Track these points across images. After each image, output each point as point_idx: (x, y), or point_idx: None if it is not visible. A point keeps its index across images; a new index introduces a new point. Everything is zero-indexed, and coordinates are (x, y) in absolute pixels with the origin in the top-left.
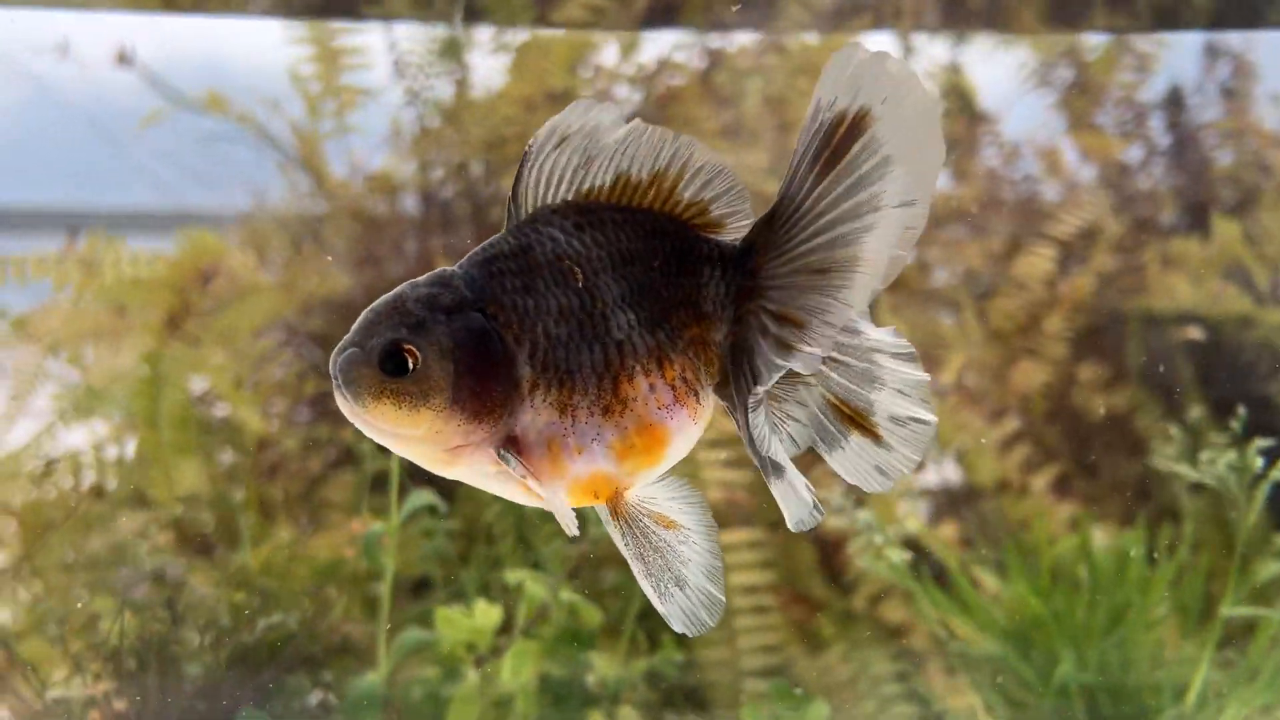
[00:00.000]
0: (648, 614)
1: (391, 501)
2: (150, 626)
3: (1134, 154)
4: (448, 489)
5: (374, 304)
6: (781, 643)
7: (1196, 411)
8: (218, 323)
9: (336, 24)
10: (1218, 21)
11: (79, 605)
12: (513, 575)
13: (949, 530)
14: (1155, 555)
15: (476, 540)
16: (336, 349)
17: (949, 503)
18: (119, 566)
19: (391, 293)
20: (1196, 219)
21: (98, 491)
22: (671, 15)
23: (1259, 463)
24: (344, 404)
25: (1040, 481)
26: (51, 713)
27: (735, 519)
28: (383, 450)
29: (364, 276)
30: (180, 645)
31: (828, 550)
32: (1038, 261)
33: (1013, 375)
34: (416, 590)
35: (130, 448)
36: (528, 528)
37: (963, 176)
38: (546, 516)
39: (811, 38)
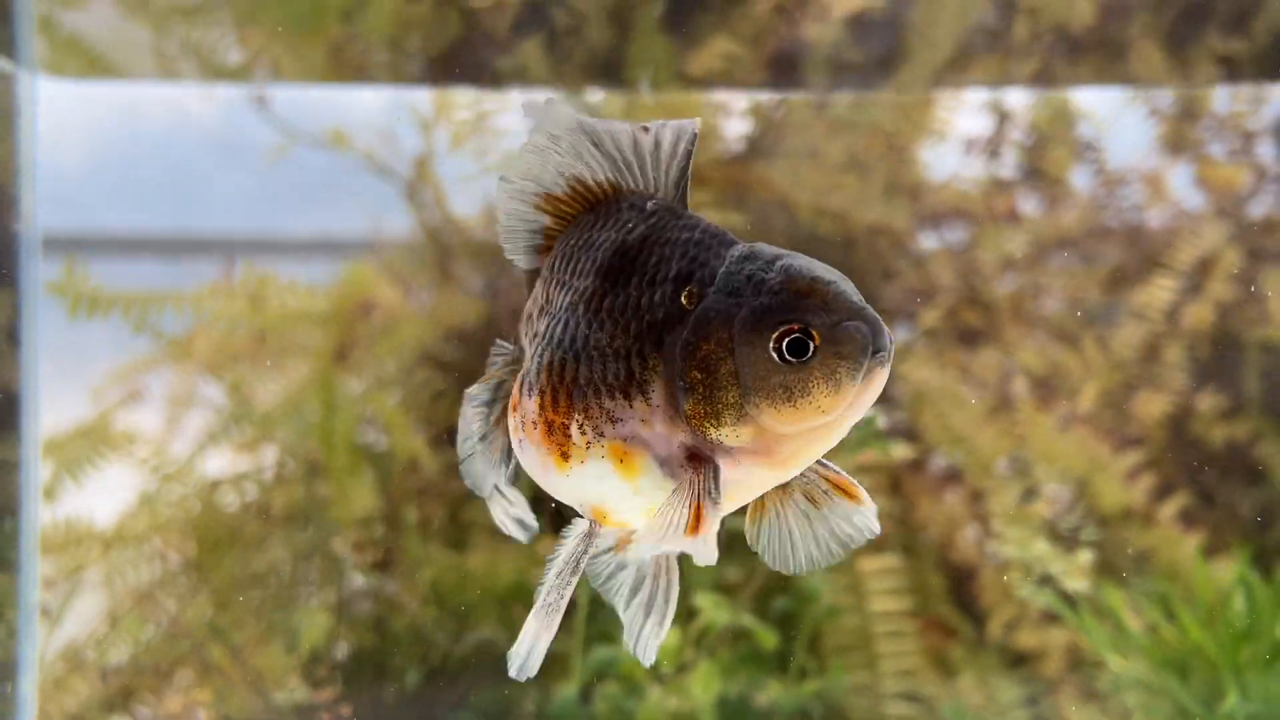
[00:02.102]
0: (814, 640)
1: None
2: (365, 639)
3: (1245, 181)
4: None
5: (844, 283)
6: (917, 667)
7: None
8: (376, 351)
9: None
10: None
11: (283, 618)
12: (699, 599)
13: (1084, 558)
14: None
15: None
16: (866, 324)
17: (1078, 532)
18: (326, 584)
19: (839, 273)
20: None
21: (262, 510)
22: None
23: None
24: (880, 376)
25: (1168, 511)
26: (286, 718)
27: (872, 547)
28: None
29: (489, 307)
30: (391, 657)
31: (960, 578)
32: (1157, 292)
33: (1134, 405)
34: (595, 607)
35: (290, 469)
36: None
37: (1067, 203)
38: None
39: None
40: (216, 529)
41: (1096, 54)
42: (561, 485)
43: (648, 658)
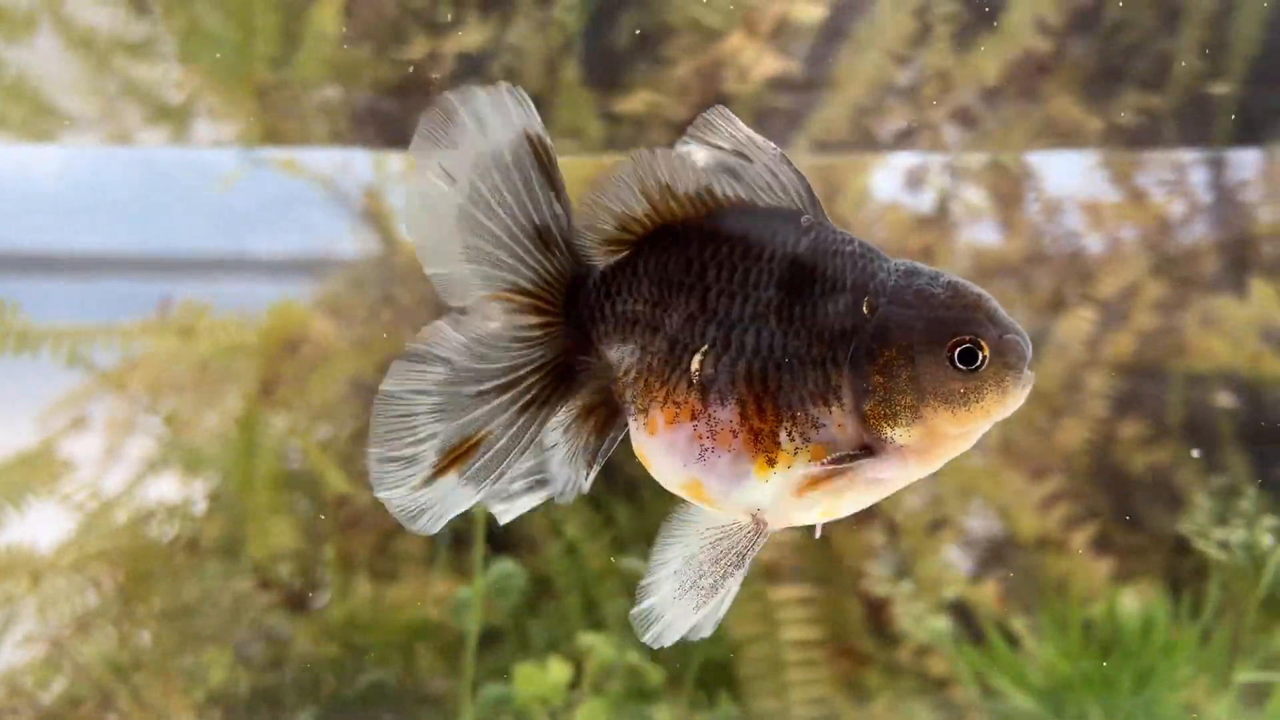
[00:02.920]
0: (705, 671)
1: (476, 563)
2: (260, 678)
3: (1176, 211)
4: (517, 547)
5: (986, 294)
6: (830, 695)
7: (1234, 472)
8: (308, 385)
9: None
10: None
11: (188, 656)
12: (585, 637)
13: (990, 588)
14: (1199, 614)
15: (543, 597)
16: (1021, 337)
17: (993, 557)
18: (232, 622)
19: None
20: (1237, 278)
21: (192, 544)
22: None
23: (1268, 540)
24: (1023, 388)
25: (1080, 538)
26: None
27: (785, 576)
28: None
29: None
30: (286, 696)
31: (874, 606)
32: (1079, 323)
33: (1055, 433)
34: (484, 643)
35: (220, 504)
36: (592, 584)
37: (1011, 230)
38: (611, 573)
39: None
40: (146, 561)
41: (1015, 113)
42: (754, 490)
43: (660, 639)
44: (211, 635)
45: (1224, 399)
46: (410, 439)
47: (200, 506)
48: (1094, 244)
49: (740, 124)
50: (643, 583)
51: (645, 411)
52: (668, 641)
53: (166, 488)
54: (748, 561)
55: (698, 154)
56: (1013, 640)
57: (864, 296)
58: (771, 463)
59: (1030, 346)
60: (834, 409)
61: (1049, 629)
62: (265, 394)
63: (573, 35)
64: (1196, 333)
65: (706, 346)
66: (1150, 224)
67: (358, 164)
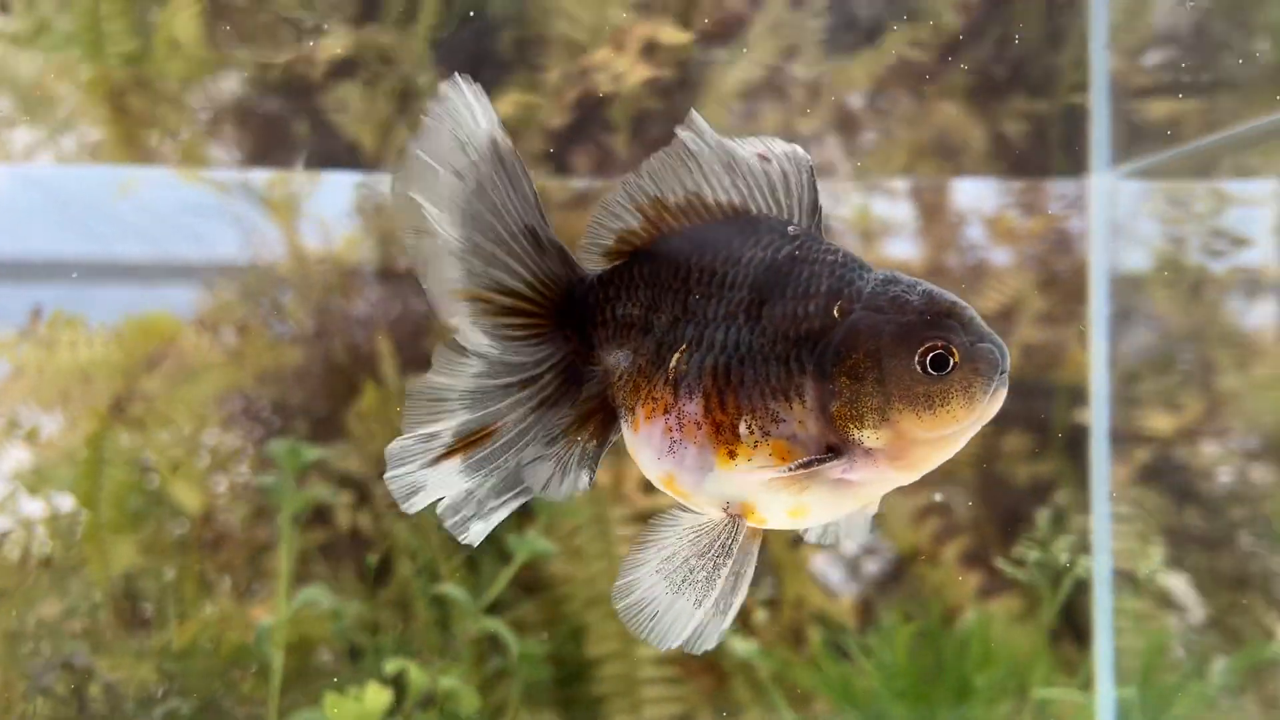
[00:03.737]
0: (530, 696)
1: (281, 591)
2: (60, 710)
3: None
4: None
5: (963, 302)
6: (689, 711)
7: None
8: (167, 402)
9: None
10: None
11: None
12: (393, 664)
13: (848, 599)
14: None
15: (385, 625)
16: (995, 346)
17: (862, 569)
18: (33, 651)
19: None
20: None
21: (47, 563)
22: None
23: (1063, 559)
24: (1003, 393)
25: (951, 551)
26: None
27: None
28: (321, 520)
29: (318, 348)
30: None
31: (740, 618)
32: None
33: None
34: (349, 658)
35: (60, 523)
36: (445, 608)
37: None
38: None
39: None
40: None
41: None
42: (720, 482)
43: (665, 641)
44: (20, 665)
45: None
46: (435, 419)
47: (59, 524)
48: (995, 257)
49: (711, 129)
50: (619, 583)
51: (632, 410)
52: (673, 642)
53: (33, 508)
54: (735, 550)
55: (683, 160)
56: (868, 652)
57: (837, 301)
58: (732, 455)
59: (1006, 357)
60: (794, 406)
61: (880, 644)
62: (119, 409)
63: (437, 41)
64: (1078, 348)
65: (685, 346)
66: (1036, 238)
67: (236, 171)
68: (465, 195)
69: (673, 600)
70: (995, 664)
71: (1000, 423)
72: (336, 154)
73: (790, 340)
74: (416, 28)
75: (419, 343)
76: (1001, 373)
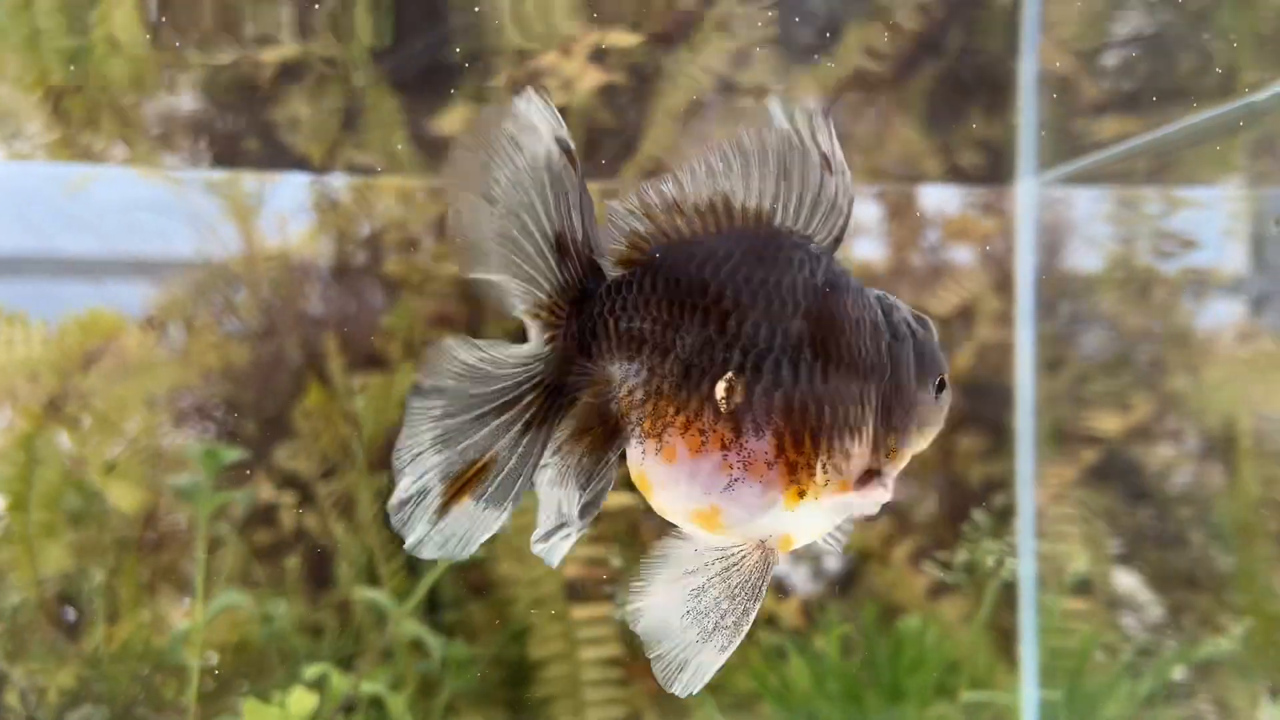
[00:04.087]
0: (477, 698)
1: (196, 596)
2: None
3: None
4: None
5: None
6: (633, 714)
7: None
8: (105, 400)
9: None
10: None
11: None
12: (312, 670)
13: (795, 600)
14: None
15: (327, 629)
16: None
17: (817, 570)
18: None
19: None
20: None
21: None
22: None
23: (990, 561)
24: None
25: (901, 552)
26: None
27: (586, 596)
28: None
29: (269, 346)
30: None
31: None
32: None
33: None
34: (282, 663)
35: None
36: (382, 612)
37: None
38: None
39: None
40: None
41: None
42: (779, 520)
43: (690, 688)
44: None
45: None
46: (418, 474)
47: None
48: (953, 259)
49: (836, 139)
50: (643, 627)
51: (658, 437)
52: (698, 688)
53: None
54: (763, 593)
55: (734, 163)
56: (806, 654)
57: (882, 334)
58: (802, 494)
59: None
60: (862, 442)
61: (820, 646)
62: (55, 408)
63: (378, 51)
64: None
65: (731, 374)
66: (983, 240)
67: (189, 170)
68: (490, 212)
69: (703, 647)
70: (928, 666)
71: (955, 423)
72: (286, 157)
73: (860, 376)
74: (358, 36)
75: (368, 341)
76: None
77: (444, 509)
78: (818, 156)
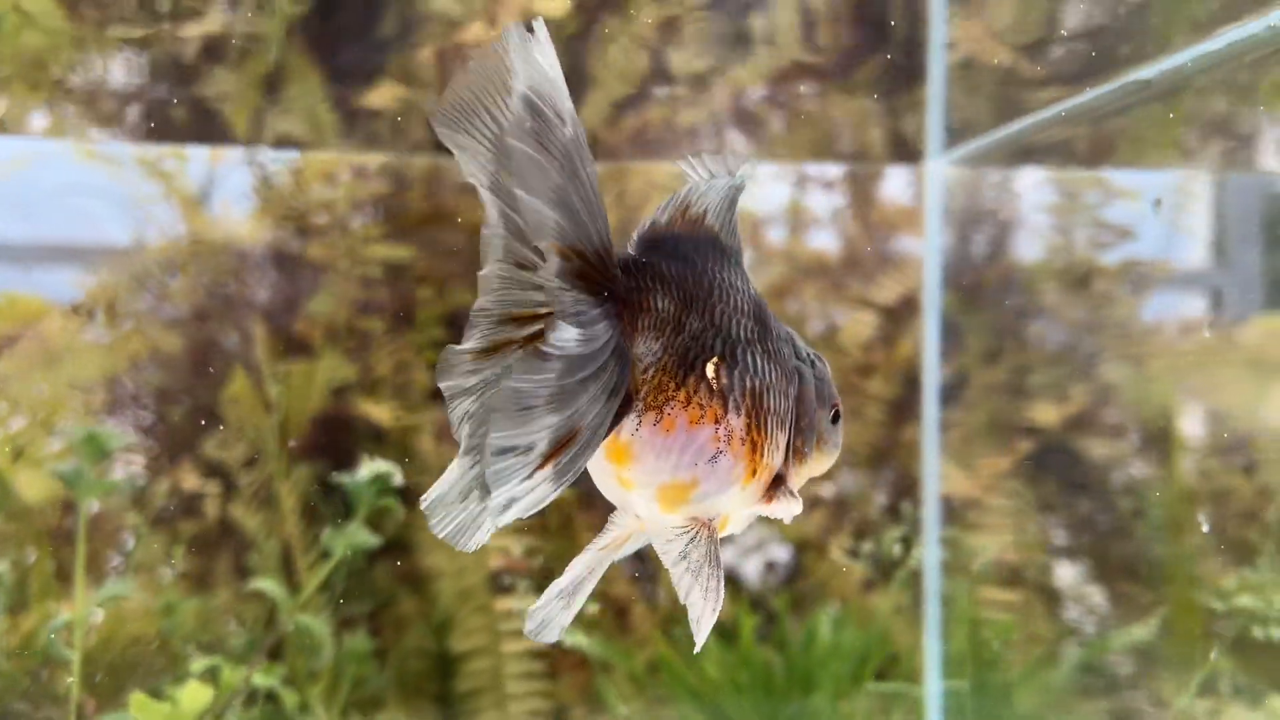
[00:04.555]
0: (401, 690)
1: (78, 586)
2: None
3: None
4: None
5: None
6: (559, 708)
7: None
8: (19, 387)
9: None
10: None
11: None
12: (200, 663)
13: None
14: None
15: (240, 621)
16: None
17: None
18: None
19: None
20: None
21: None
22: None
23: (896, 550)
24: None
25: (837, 544)
26: None
27: (515, 586)
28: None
29: (201, 332)
30: None
31: (619, 611)
32: (859, 327)
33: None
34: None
35: None
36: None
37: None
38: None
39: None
40: None
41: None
42: (732, 498)
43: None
44: None
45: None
46: (527, 430)
47: None
48: (901, 248)
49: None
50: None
51: (659, 409)
52: (702, 641)
53: None
54: (721, 561)
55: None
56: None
57: (793, 347)
58: (753, 474)
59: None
60: (786, 437)
61: (722, 638)
62: None
63: (299, 21)
64: (976, 340)
65: (717, 358)
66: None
67: (118, 145)
68: (569, 142)
69: (704, 605)
70: (841, 657)
71: (900, 415)
72: (212, 133)
73: (785, 377)
74: (281, 8)
75: (295, 326)
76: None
77: (534, 473)
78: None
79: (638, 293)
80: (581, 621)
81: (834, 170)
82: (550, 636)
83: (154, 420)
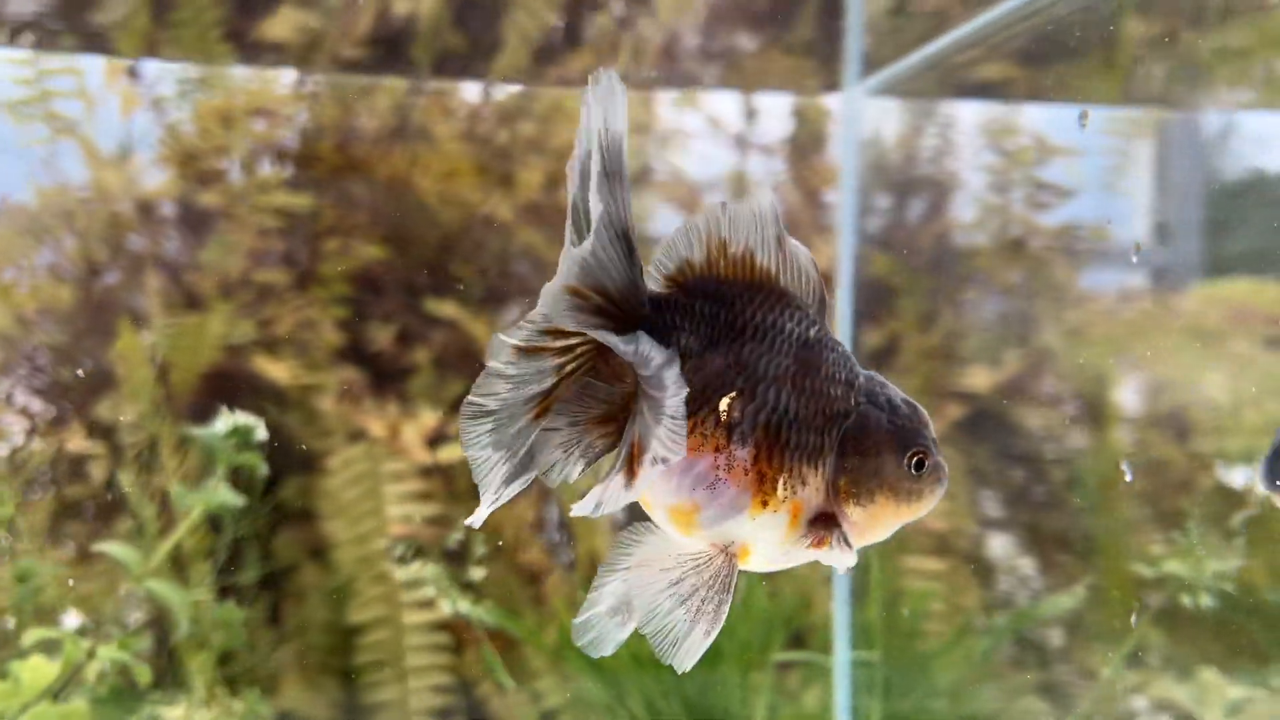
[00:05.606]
0: (301, 662)
1: None
2: None
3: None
4: None
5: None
6: (463, 683)
7: None
8: None
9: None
10: None
11: None
12: (36, 634)
13: None
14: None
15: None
16: (941, 455)
17: None
18: None
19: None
20: None
21: None
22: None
23: None
24: (938, 499)
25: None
26: None
27: (429, 553)
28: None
29: (89, 287)
30: None
31: (534, 577)
32: None
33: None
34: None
35: None
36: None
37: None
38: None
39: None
40: None
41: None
42: (743, 525)
43: (684, 664)
44: None
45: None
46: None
47: None
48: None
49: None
50: (598, 612)
51: None
52: (689, 665)
53: None
54: (733, 587)
55: (752, 218)
56: None
57: (852, 390)
58: (764, 504)
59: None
60: (818, 473)
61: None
62: None
63: None
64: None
65: (735, 394)
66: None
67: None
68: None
69: (693, 628)
70: (752, 625)
71: None
72: (101, 65)
73: (824, 415)
74: None
75: (185, 279)
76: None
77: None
78: (790, 240)
79: (662, 330)
80: (490, 593)
81: (767, 102)
82: (606, 650)
83: (45, 380)
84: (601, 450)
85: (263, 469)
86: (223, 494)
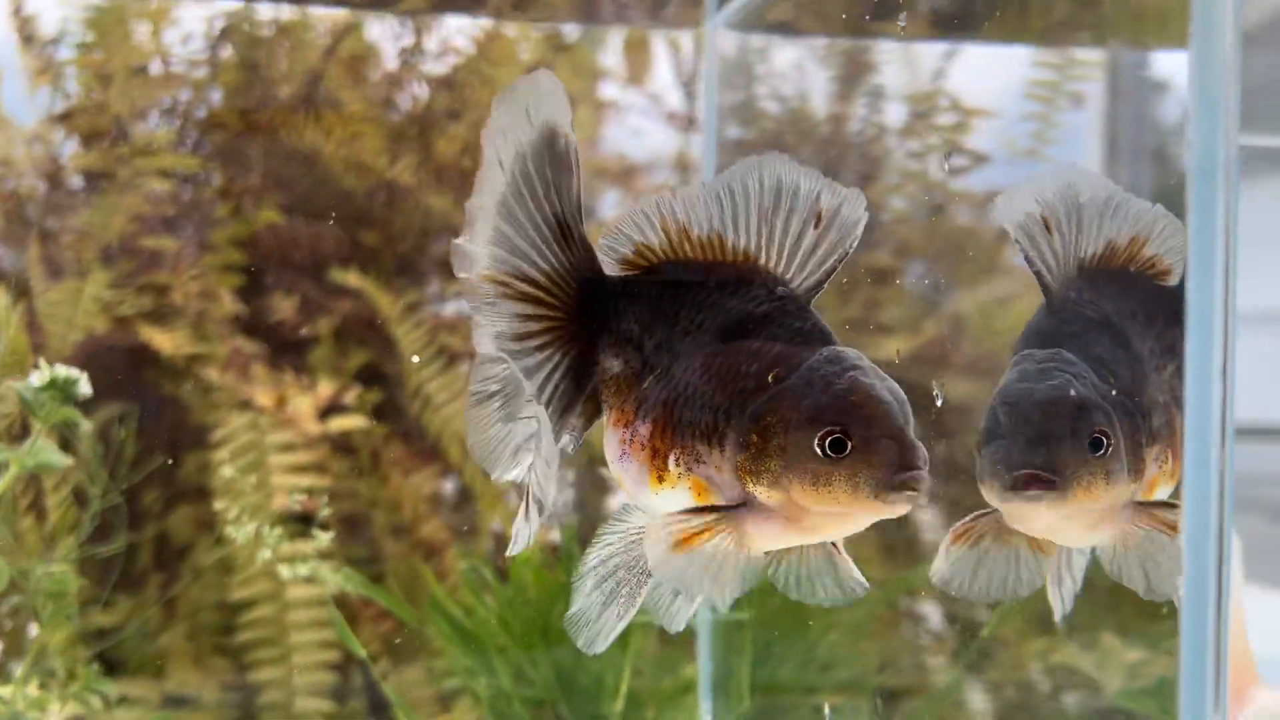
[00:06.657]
0: (193, 642)
1: None
2: None
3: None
4: None
5: (899, 407)
6: (349, 660)
7: None
8: None
9: None
10: None
11: None
12: None
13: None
14: None
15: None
16: (898, 445)
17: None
18: None
19: (901, 396)
20: None
21: None
22: None
23: None
24: (902, 502)
25: None
26: None
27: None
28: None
29: None
30: None
31: (433, 551)
32: None
33: None
34: None
35: None
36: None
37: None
38: None
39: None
40: None
41: None
42: (651, 501)
43: (596, 647)
44: None
45: None
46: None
47: None
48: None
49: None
50: (574, 581)
51: (608, 411)
52: (601, 648)
53: None
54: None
55: (726, 199)
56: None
57: (775, 368)
58: (660, 479)
59: (911, 457)
60: (715, 452)
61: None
62: None
63: None
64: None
65: (657, 371)
66: None
67: None
68: (503, 186)
69: (604, 610)
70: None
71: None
72: None
73: (726, 394)
74: None
75: (66, 242)
76: (905, 471)
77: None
78: (809, 211)
79: (613, 316)
80: (379, 569)
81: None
82: (600, 648)
83: None
84: (582, 428)
85: (85, 425)
86: (48, 455)
